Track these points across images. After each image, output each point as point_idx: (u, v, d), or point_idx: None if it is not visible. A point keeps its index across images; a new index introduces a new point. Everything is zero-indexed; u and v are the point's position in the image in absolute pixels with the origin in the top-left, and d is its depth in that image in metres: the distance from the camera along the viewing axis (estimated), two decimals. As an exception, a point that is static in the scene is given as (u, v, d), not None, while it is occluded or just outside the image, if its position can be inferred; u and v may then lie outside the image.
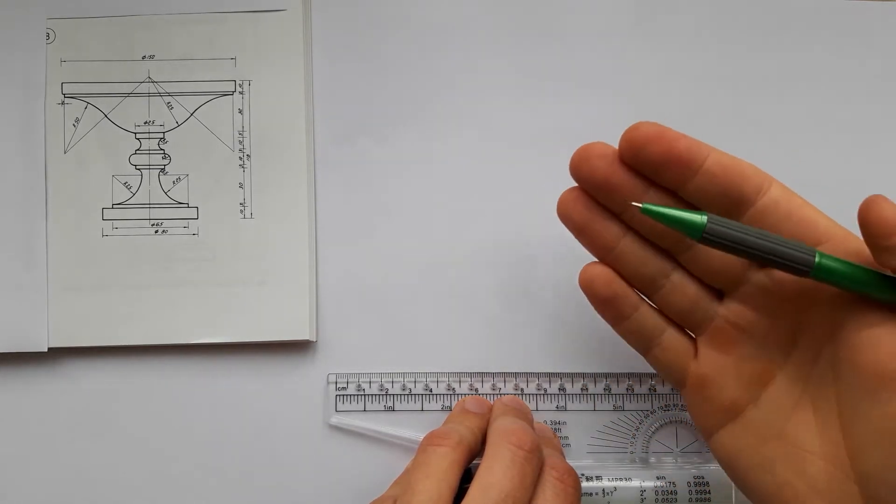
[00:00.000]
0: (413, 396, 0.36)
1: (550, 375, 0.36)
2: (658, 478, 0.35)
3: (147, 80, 0.37)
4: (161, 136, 0.37)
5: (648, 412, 0.36)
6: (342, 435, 0.36)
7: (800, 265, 0.26)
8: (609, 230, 0.30)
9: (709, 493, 0.35)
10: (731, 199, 0.27)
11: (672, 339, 0.30)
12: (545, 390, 0.36)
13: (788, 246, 0.26)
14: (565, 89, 0.38)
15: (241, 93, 0.37)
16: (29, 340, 0.35)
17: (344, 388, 0.36)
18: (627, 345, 0.37)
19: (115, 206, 0.36)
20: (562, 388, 0.36)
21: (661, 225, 0.26)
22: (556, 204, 0.39)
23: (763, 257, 0.26)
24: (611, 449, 0.36)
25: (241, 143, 0.37)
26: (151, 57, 0.37)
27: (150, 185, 0.37)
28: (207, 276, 0.36)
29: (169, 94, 0.37)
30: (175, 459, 0.36)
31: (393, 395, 0.36)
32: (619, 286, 0.30)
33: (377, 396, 0.36)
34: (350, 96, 0.38)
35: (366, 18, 0.38)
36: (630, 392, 0.36)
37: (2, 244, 0.36)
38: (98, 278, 0.36)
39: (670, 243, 0.29)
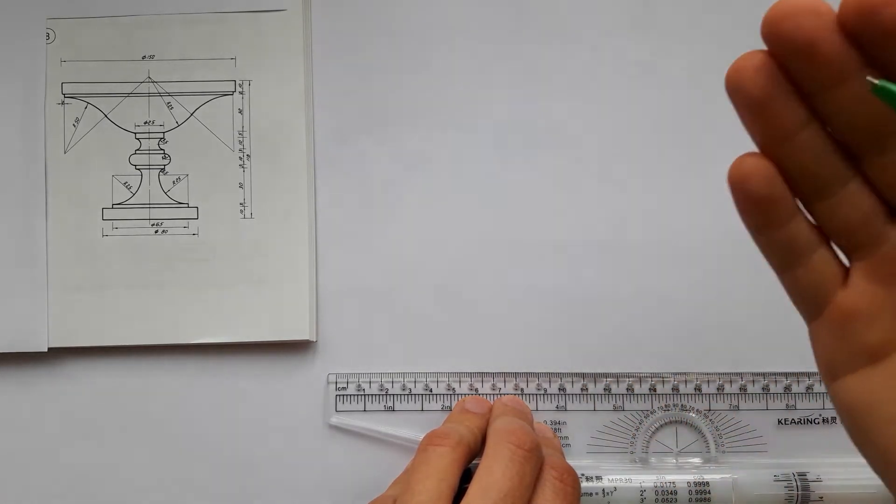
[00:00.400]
0: (413, 396, 0.36)
1: (550, 375, 0.36)
2: (658, 478, 0.35)
3: (147, 80, 0.37)
4: (161, 136, 0.37)
5: (648, 412, 0.36)
6: (342, 435, 0.36)
7: None
8: (794, 113, 0.23)
9: (709, 493, 0.35)
10: None
11: (824, 259, 0.25)
12: (545, 390, 0.36)
13: None
14: (565, 89, 0.38)
15: (241, 93, 0.37)
16: (29, 340, 0.35)
17: (344, 388, 0.36)
18: (627, 345, 0.37)
19: (115, 206, 0.36)
20: (562, 388, 0.36)
21: (859, 120, 0.22)
22: (556, 203, 0.39)
23: None
24: (611, 449, 0.36)
25: (241, 143, 0.37)
26: (151, 57, 0.37)
27: (150, 185, 0.37)
28: (207, 276, 0.36)
29: (169, 94, 0.37)
30: (175, 459, 0.36)
31: (393, 395, 0.36)
32: (780, 187, 0.24)
33: (377, 396, 0.36)
34: (350, 96, 0.38)
35: (366, 18, 0.38)
36: (630, 392, 0.36)
37: (2, 244, 0.36)
38: (98, 278, 0.36)
39: (862, 143, 0.23)
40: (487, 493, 0.28)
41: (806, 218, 0.25)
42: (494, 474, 0.28)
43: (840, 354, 0.25)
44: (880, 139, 0.23)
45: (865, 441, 0.25)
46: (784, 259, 0.25)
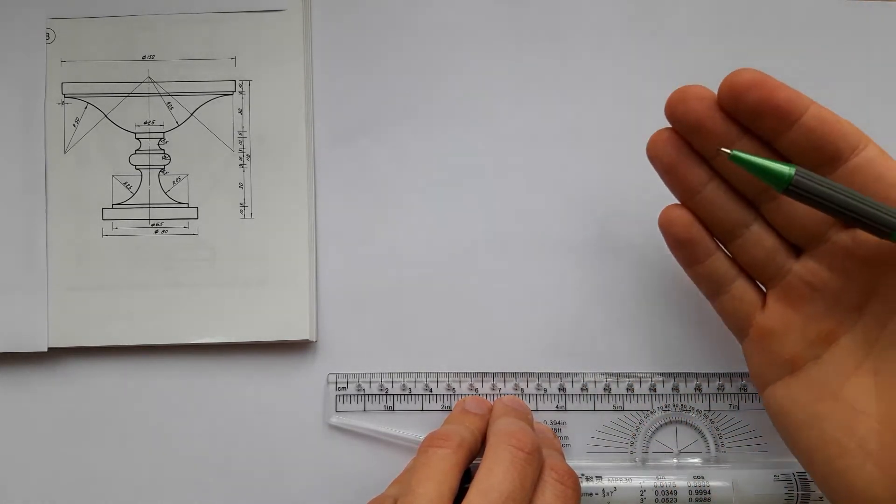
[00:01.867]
0: (413, 396, 0.36)
1: (550, 375, 0.36)
2: (658, 478, 0.35)
3: (147, 80, 0.37)
4: (161, 136, 0.37)
5: (648, 412, 0.36)
6: (342, 435, 0.36)
7: (882, 226, 0.26)
8: (696, 174, 0.30)
9: (709, 493, 0.35)
10: (825, 155, 0.27)
11: (742, 288, 0.31)
12: (545, 390, 0.36)
13: (874, 206, 0.26)
14: (565, 89, 0.38)
15: (241, 93, 0.37)
16: (29, 340, 0.35)
17: (344, 388, 0.36)
18: (627, 345, 0.37)
19: (115, 206, 0.36)
20: (562, 388, 0.36)
21: (748, 174, 0.27)
22: (556, 203, 0.39)
23: (846, 214, 0.26)
24: (611, 449, 0.36)
25: (241, 143, 0.37)
26: (151, 57, 0.37)
27: (150, 185, 0.37)
28: (207, 276, 0.36)
29: (169, 94, 0.37)
30: (175, 459, 0.36)
31: (393, 395, 0.36)
32: (697, 230, 0.30)
33: (377, 396, 0.36)
34: (350, 96, 0.38)
35: (366, 18, 0.38)
36: (630, 392, 0.36)
37: (2, 244, 0.36)
38: (98, 278, 0.36)
39: (755, 193, 0.29)
40: (488, 495, 0.28)
41: (725, 254, 0.31)
42: (495, 477, 0.28)
43: (765, 367, 0.30)
44: (766, 191, 0.29)
45: (790, 441, 0.29)
46: (709, 288, 0.31)
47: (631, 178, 0.37)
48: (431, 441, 0.31)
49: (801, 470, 0.35)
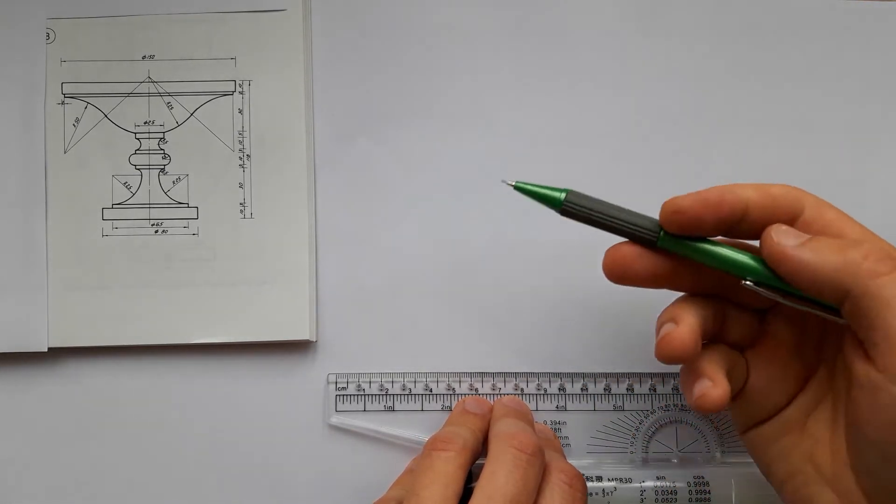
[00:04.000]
0: (413, 396, 0.36)
1: (550, 375, 0.36)
2: (658, 478, 0.35)
3: (147, 80, 0.37)
4: (161, 136, 0.37)
5: (648, 412, 0.36)
6: (342, 435, 0.36)
7: (648, 230, 0.29)
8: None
9: (709, 493, 0.35)
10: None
11: (739, 363, 0.31)
12: (545, 390, 0.36)
13: (638, 217, 0.29)
14: (565, 88, 0.38)
15: (241, 93, 0.37)
16: (29, 340, 0.35)
17: (344, 388, 0.36)
18: (627, 345, 0.37)
19: (115, 206, 0.36)
20: (562, 388, 0.36)
21: (705, 276, 0.29)
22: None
23: (616, 227, 0.29)
24: (611, 449, 0.36)
25: (241, 143, 0.37)
26: (151, 57, 0.37)
27: (150, 185, 0.37)
28: (207, 276, 0.36)
29: (169, 94, 0.37)
30: (175, 459, 0.36)
31: (393, 395, 0.36)
32: (695, 348, 0.29)
33: (377, 396, 0.36)
34: (350, 96, 0.38)
35: (366, 18, 0.38)
36: (630, 392, 0.36)
37: (2, 244, 0.36)
38: (98, 278, 0.36)
39: (722, 287, 0.30)
40: (493, 499, 0.28)
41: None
42: (499, 479, 0.28)
43: (748, 416, 0.31)
44: (726, 283, 0.30)
45: (764, 472, 0.31)
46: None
47: (631, 178, 0.37)
48: (434, 444, 0.31)
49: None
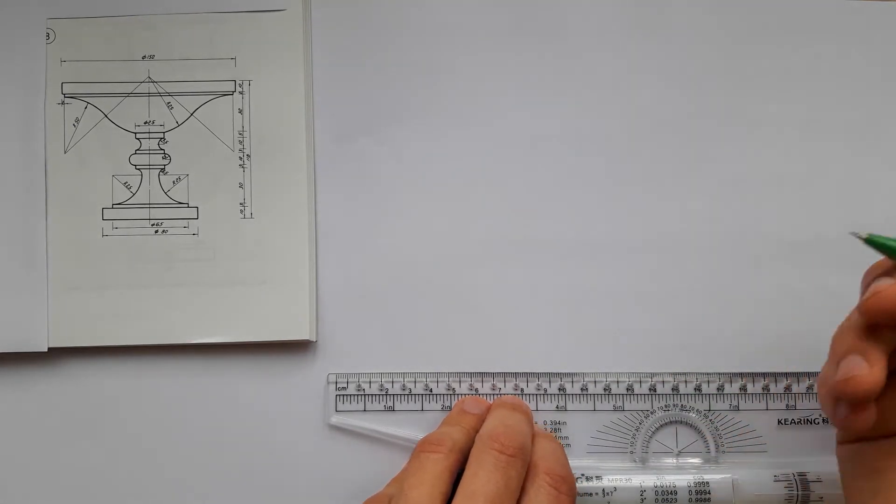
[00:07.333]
0: (413, 396, 0.36)
1: (550, 375, 0.36)
2: (658, 478, 0.35)
3: (147, 80, 0.37)
4: (161, 136, 0.37)
5: (648, 412, 0.36)
6: (342, 435, 0.36)
7: None
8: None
9: (709, 493, 0.35)
10: None
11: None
12: (545, 390, 0.36)
13: None
14: (565, 89, 0.38)
15: (241, 93, 0.37)
16: (29, 340, 0.35)
17: (344, 388, 0.36)
18: (627, 345, 0.37)
19: (115, 206, 0.36)
20: (562, 388, 0.36)
21: None
22: (556, 203, 0.39)
23: None
24: (611, 449, 0.36)
25: (241, 143, 0.37)
26: (151, 57, 0.37)
27: (150, 184, 0.37)
28: (207, 276, 0.36)
29: (169, 94, 0.37)
30: (175, 459, 0.36)
31: (393, 395, 0.36)
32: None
33: (377, 396, 0.36)
34: (350, 96, 0.38)
35: (366, 18, 0.38)
36: (630, 392, 0.36)
37: (2, 244, 0.36)
38: (98, 278, 0.36)
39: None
40: (472, 499, 0.28)
41: None
42: (479, 480, 0.29)
43: (857, 433, 0.29)
44: None
45: (844, 485, 0.30)
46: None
47: (631, 178, 0.37)
48: (424, 446, 0.31)
49: (801, 470, 0.35)
